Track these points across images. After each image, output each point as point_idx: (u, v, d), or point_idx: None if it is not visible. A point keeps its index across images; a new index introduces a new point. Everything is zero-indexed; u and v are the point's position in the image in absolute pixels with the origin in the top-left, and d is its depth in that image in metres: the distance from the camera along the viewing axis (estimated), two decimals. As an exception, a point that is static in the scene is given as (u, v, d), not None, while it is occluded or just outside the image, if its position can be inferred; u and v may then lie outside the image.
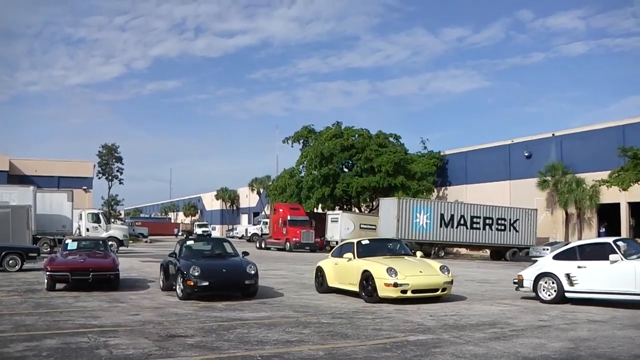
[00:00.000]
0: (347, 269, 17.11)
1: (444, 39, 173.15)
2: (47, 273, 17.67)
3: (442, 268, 16.44)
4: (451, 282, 16.36)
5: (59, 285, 18.00)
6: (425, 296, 15.78)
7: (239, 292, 16.61)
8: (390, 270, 15.50)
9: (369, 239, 19.06)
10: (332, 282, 17.92)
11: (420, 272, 16.06)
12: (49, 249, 35.83)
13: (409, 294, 15.49)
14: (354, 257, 16.99)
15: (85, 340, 10.11)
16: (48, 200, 40.09)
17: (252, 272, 16.51)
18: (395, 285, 15.29)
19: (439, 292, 16.03)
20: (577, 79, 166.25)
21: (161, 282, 18.61)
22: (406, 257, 17.47)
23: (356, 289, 16.48)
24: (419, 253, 18.63)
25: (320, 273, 18.54)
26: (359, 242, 17.82)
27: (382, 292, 15.53)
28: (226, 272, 16.57)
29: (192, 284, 15.67)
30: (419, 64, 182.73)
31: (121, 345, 9.71)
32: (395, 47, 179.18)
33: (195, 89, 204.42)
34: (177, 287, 16.38)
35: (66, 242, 20.91)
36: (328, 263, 18.45)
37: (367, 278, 16.02)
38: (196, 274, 15.70)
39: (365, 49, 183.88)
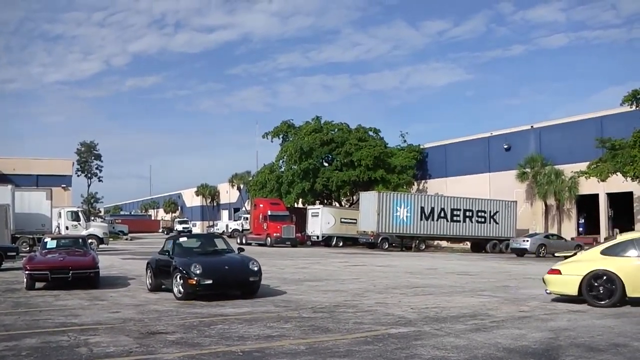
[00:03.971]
0: None
1: (425, 32, 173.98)
2: (26, 272, 17.49)
3: None
4: None
5: (38, 284, 17.83)
6: None
7: (243, 289, 15.87)
8: None
9: None
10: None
11: None
12: (28, 248, 35.53)
13: None
14: None
15: (66, 339, 10.04)
16: (27, 199, 39.69)
17: (255, 268, 15.85)
18: None
19: None
20: (557, 71, 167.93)
21: (148, 281, 17.61)
22: None
23: None
24: None
25: (609, 280, 13.68)
26: None
27: None
28: (229, 269, 15.82)
29: (194, 282, 14.88)
30: (399, 57, 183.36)
31: (102, 343, 9.66)
32: (375, 41, 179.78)
33: (175, 84, 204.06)
34: (175, 287, 15.43)
35: (45, 240, 20.72)
36: (624, 265, 13.74)
37: None
38: (198, 272, 14.92)
39: (345, 43, 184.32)
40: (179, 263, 15.60)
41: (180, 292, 15.22)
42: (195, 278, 14.87)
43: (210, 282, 14.99)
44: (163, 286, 16.54)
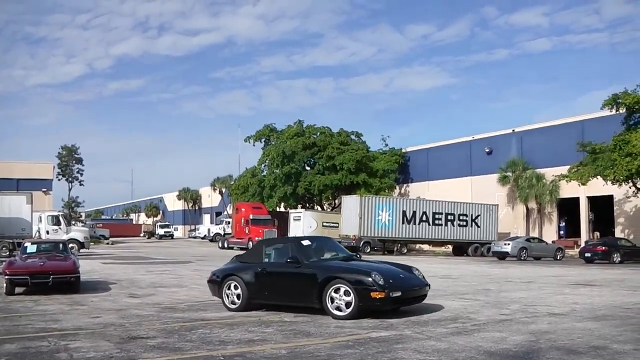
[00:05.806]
0: None
1: (409, 36, 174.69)
2: (6, 277, 17.36)
3: None
4: None
5: (18, 289, 17.69)
6: None
7: (417, 302, 13.51)
8: None
9: None
10: None
11: None
12: (7, 253, 35.27)
13: None
14: None
15: (45, 344, 9.97)
16: (6, 203, 39.39)
17: (421, 276, 13.72)
18: None
19: None
20: (540, 75, 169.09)
21: (232, 299, 13.99)
22: None
23: None
24: None
25: None
26: None
27: None
28: (404, 278, 13.19)
29: (381, 295, 12.03)
30: (384, 61, 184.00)
31: (82, 349, 9.59)
32: (360, 45, 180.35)
33: (159, 88, 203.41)
34: (332, 303, 12.42)
35: (25, 245, 20.59)
36: None
37: None
38: (381, 282, 12.14)
39: (330, 46, 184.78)
40: (343, 270, 12.88)
41: (343, 310, 12.34)
42: (384, 291, 12.11)
43: (399, 294, 12.41)
44: (253, 301, 13.82)
